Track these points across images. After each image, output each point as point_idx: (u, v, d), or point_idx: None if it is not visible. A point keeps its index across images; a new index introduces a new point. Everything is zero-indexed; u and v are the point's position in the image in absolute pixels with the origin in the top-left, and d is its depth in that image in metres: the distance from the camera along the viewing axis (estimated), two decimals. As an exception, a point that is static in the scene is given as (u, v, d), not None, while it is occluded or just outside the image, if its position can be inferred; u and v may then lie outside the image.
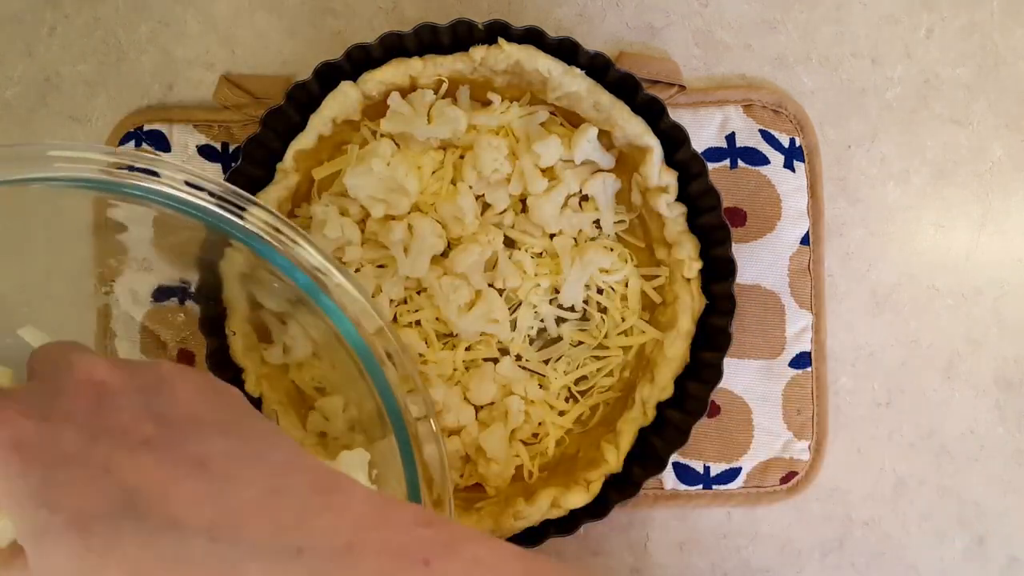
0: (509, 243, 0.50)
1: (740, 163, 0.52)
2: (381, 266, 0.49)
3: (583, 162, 0.49)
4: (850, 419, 0.53)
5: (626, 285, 0.50)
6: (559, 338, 0.50)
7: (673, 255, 0.48)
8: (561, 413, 0.50)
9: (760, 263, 0.52)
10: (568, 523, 0.46)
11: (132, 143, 0.52)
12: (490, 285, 0.49)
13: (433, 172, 0.49)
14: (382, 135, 0.49)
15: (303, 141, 0.47)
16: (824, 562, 0.52)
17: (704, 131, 0.53)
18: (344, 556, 0.25)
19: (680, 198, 0.48)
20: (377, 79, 0.47)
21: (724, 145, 0.53)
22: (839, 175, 0.53)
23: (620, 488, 0.46)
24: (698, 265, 0.47)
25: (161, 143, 0.52)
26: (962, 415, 0.53)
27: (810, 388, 0.52)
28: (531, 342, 0.50)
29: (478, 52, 0.46)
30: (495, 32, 0.46)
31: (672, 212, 0.47)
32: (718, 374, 0.46)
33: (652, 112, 0.47)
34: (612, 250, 0.50)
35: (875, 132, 0.53)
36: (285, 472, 0.27)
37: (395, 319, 0.50)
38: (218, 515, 0.25)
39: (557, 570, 0.27)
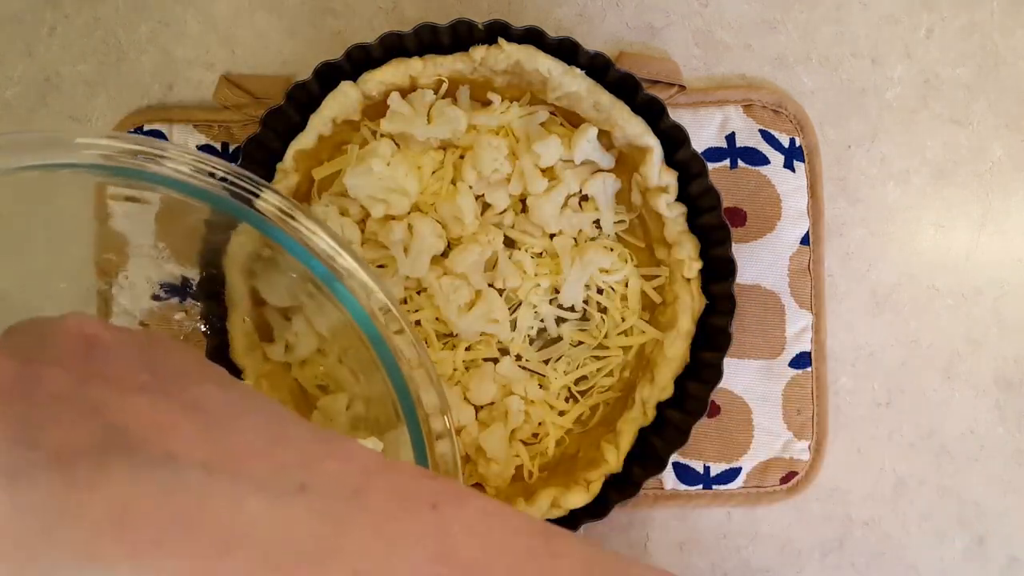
0: (509, 243, 0.50)
1: (740, 163, 0.52)
2: (381, 266, 0.49)
3: (583, 162, 0.49)
4: (850, 419, 0.53)
5: (626, 285, 0.50)
6: (559, 338, 0.50)
7: (673, 255, 0.48)
8: (561, 413, 0.50)
9: (760, 263, 0.52)
10: (568, 523, 0.46)
11: (132, 143, 0.52)
12: (490, 285, 0.49)
13: (433, 172, 0.49)
14: (382, 135, 0.49)
15: (303, 141, 0.47)
16: (824, 562, 0.52)
17: (704, 131, 0.53)
18: (351, 498, 0.23)
19: (680, 198, 0.48)
20: (377, 79, 0.47)
21: (724, 145, 0.53)
22: (839, 175, 0.53)
23: (620, 488, 0.46)
24: (698, 265, 0.47)
25: (161, 143, 0.52)
26: (962, 415, 0.53)
27: (810, 388, 0.52)
28: (531, 342, 0.50)
29: (478, 52, 0.46)
30: (495, 32, 0.46)
31: (672, 212, 0.47)
32: (718, 374, 0.46)
33: (652, 112, 0.47)
34: (612, 250, 0.50)
35: (875, 132, 0.53)
36: (285, 423, 0.26)
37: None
38: (215, 453, 0.23)
39: (556, 528, 0.26)
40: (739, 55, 0.53)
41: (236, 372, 0.47)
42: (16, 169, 0.32)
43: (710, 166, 0.51)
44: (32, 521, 0.22)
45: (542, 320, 0.50)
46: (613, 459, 0.46)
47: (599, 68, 0.47)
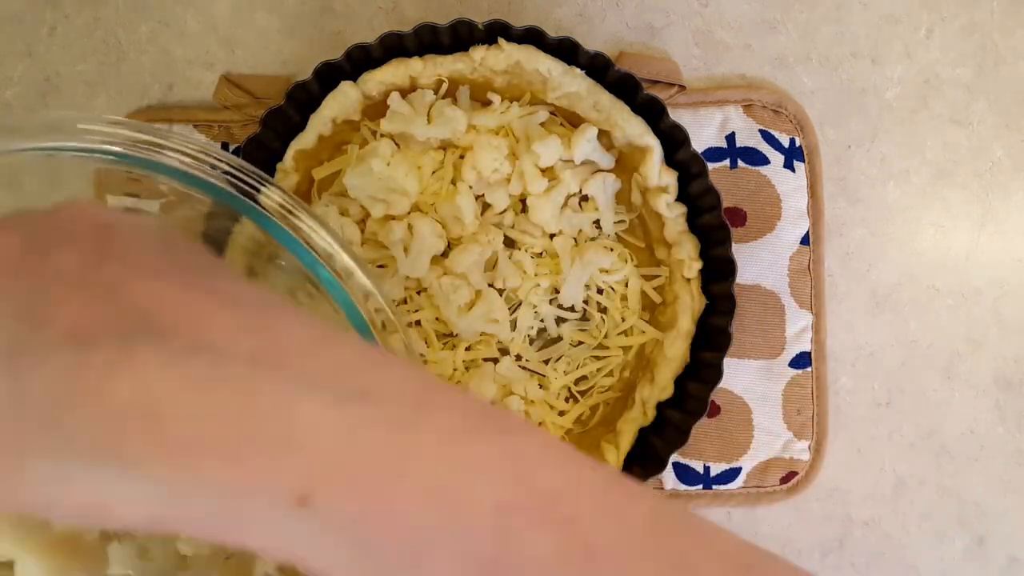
0: (509, 243, 0.50)
1: (740, 163, 0.52)
2: (381, 266, 0.49)
3: (583, 162, 0.49)
4: (850, 419, 0.53)
5: (626, 285, 0.50)
6: (559, 338, 0.50)
7: (673, 255, 0.48)
8: (561, 413, 0.50)
9: (760, 263, 0.52)
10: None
11: (132, 143, 0.52)
12: (490, 285, 0.49)
13: (433, 172, 0.49)
14: (382, 135, 0.49)
15: (303, 141, 0.47)
16: (824, 562, 0.52)
17: (704, 131, 0.52)
18: (416, 411, 0.20)
19: (680, 198, 0.48)
20: (377, 79, 0.47)
21: (724, 145, 0.53)
22: (839, 175, 0.53)
23: (620, 488, 0.46)
24: (698, 265, 0.47)
25: (161, 143, 0.52)
26: (962, 415, 0.53)
27: (810, 388, 0.52)
28: (531, 342, 0.50)
29: (478, 52, 0.46)
30: (495, 32, 0.46)
31: (672, 212, 0.47)
32: (718, 374, 0.46)
33: (652, 112, 0.47)
34: (612, 250, 0.50)
35: (875, 132, 0.53)
36: (327, 325, 0.22)
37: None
38: (261, 346, 0.20)
39: (622, 474, 0.22)
40: (739, 55, 0.53)
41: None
42: (14, 151, 0.31)
43: (710, 166, 0.51)
44: (35, 408, 0.19)
45: (542, 320, 0.50)
46: (613, 459, 0.46)
47: (599, 68, 0.47)
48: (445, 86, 0.48)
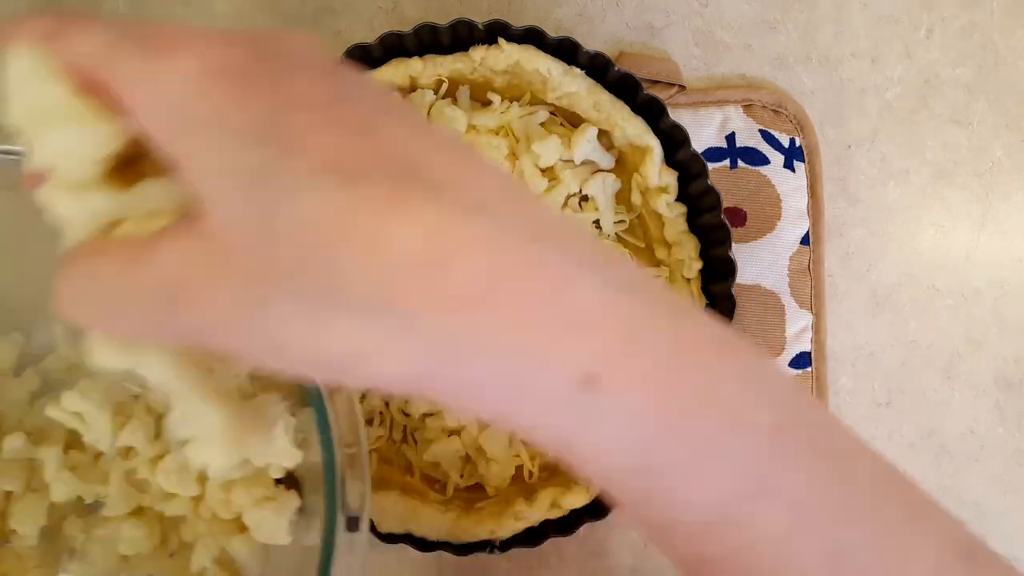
0: (509, 243, 0.50)
1: (740, 163, 0.52)
2: (381, 266, 0.49)
3: (583, 162, 0.49)
4: (850, 419, 0.53)
5: (626, 285, 0.50)
6: (559, 338, 0.50)
7: (673, 255, 0.48)
8: (561, 413, 0.50)
9: (760, 263, 0.52)
10: (568, 523, 0.46)
11: (132, 143, 0.52)
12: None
13: (433, 172, 0.49)
14: (382, 135, 0.49)
15: (303, 141, 0.47)
16: (824, 562, 0.52)
17: (704, 131, 0.53)
18: (673, 310, 0.20)
19: (680, 198, 0.48)
20: (377, 79, 0.47)
21: (724, 145, 0.53)
22: (839, 175, 0.53)
23: (620, 488, 0.46)
24: (698, 265, 0.47)
25: (161, 143, 0.52)
26: (962, 415, 0.53)
27: (810, 388, 0.52)
28: (531, 342, 0.50)
29: (478, 52, 0.46)
30: (495, 32, 0.46)
31: (672, 212, 0.47)
32: (718, 374, 0.46)
33: (652, 112, 0.47)
34: (612, 250, 0.50)
35: (875, 132, 0.53)
36: (546, 201, 0.21)
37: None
38: (524, 215, 0.19)
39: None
40: (739, 55, 0.53)
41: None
42: None
43: (710, 166, 0.51)
44: (289, 245, 0.17)
45: (542, 320, 0.50)
46: (613, 459, 0.46)
47: (599, 68, 0.47)
48: (445, 86, 0.48)
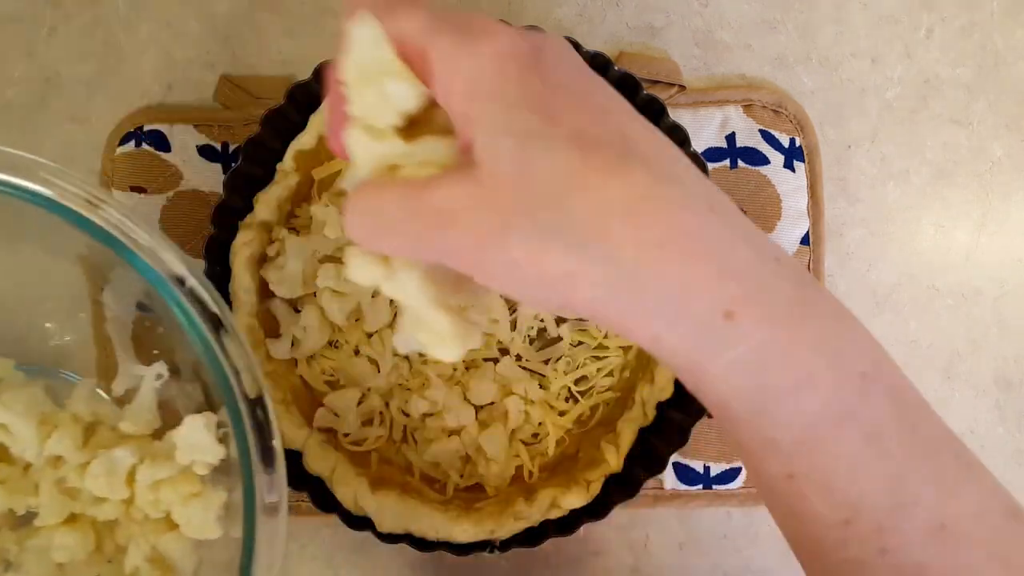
0: (509, 243, 0.50)
1: (740, 163, 0.52)
2: (381, 266, 0.49)
3: (583, 162, 0.49)
4: (850, 419, 0.53)
5: (626, 285, 0.50)
6: (559, 338, 0.50)
7: (673, 255, 0.48)
8: (561, 413, 0.50)
9: (760, 263, 0.52)
10: (568, 523, 0.46)
11: (132, 143, 0.52)
12: (490, 285, 0.49)
13: (433, 172, 0.49)
14: (382, 135, 0.49)
15: (303, 141, 0.47)
16: (824, 562, 0.52)
17: (704, 131, 0.53)
18: (810, 284, 0.27)
19: (680, 198, 0.48)
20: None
21: (724, 145, 0.53)
22: (839, 175, 0.53)
23: (620, 488, 0.46)
24: (698, 265, 0.47)
25: (161, 143, 0.52)
26: (962, 415, 0.53)
27: (810, 388, 0.52)
28: (531, 342, 0.50)
29: (478, 52, 0.46)
30: (495, 32, 0.46)
31: (672, 212, 0.47)
32: (718, 374, 0.46)
33: (652, 112, 0.47)
34: (612, 250, 0.49)
35: (875, 132, 0.53)
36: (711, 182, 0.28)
37: (396, 319, 0.50)
38: (711, 197, 0.25)
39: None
40: (739, 55, 0.53)
41: (236, 372, 0.47)
42: None
43: (710, 166, 0.51)
44: (536, 186, 0.23)
45: (542, 320, 0.50)
46: (613, 459, 0.46)
47: (599, 68, 0.47)
48: (445, 86, 0.48)
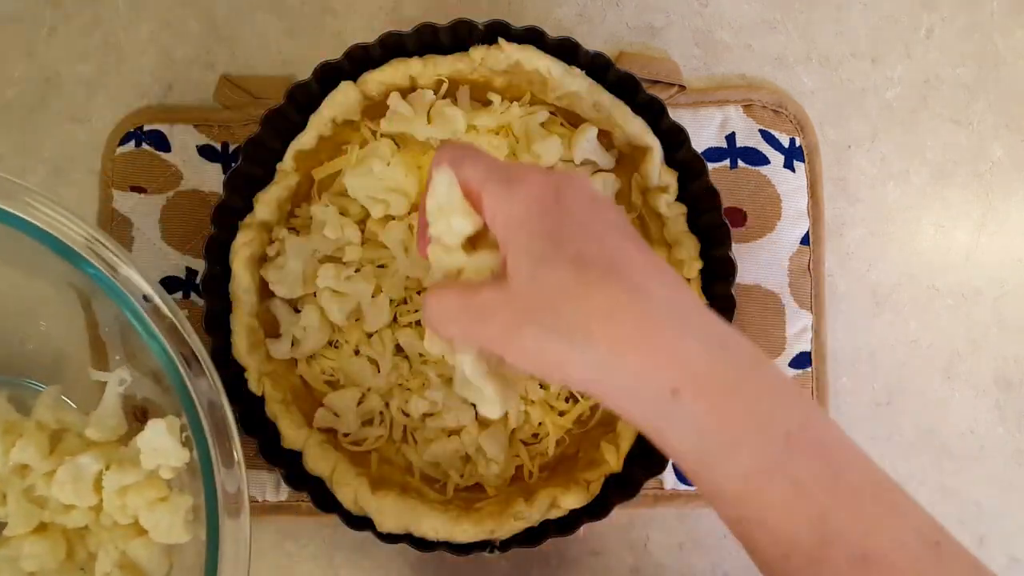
0: (509, 243, 0.50)
1: (740, 163, 0.52)
2: (381, 266, 0.49)
3: (583, 162, 0.49)
4: (850, 419, 0.53)
5: (626, 285, 0.50)
6: (559, 338, 0.50)
7: (673, 255, 0.48)
8: (561, 413, 0.50)
9: (760, 263, 0.52)
10: (568, 523, 0.46)
11: (132, 143, 0.52)
12: (490, 285, 0.49)
13: (433, 172, 0.49)
14: (382, 135, 0.49)
15: (303, 141, 0.47)
16: (824, 562, 0.52)
17: (704, 131, 0.53)
18: (751, 363, 0.32)
19: (680, 198, 0.48)
20: (377, 79, 0.47)
21: (724, 145, 0.53)
22: (839, 175, 0.53)
23: (620, 488, 0.46)
24: (698, 265, 0.47)
25: (161, 143, 0.52)
26: (962, 415, 0.53)
27: (810, 388, 0.52)
28: (531, 342, 0.50)
29: (478, 52, 0.46)
30: (495, 32, 0.46)
31: (672, 212, 0.47)
32: (718, 374, 0.46)
33: (652, 112, 0.47)
34: (612, 250, 0.50)
35: (875, 132, 0.53)
36: (704, 306, 0.34)
37: (395, 319, 0.50)
38: (674, 301, 0.32)
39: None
40: (739, 55, 0.53)
41: (239, 371, 0.47)
42: None
43: (710, 166, 0.51)
44: (542, 294, 0.32)
45: (542, 320, 0.50)
46: (613, 459, 0.46)
47: (599, 68, 0.47)
48: (445, 86, 0.48)
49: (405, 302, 0.50)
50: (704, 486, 0.33)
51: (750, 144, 0.53)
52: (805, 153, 0.53)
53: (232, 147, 0.52)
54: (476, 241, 0.36)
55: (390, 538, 0.45)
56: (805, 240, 0.52)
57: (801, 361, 0.52)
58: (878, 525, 0.30)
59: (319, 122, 0.47)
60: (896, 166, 0.53)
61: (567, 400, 0.50)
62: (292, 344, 0.49)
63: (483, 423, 0.49)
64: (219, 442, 0.39)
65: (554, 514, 0.46)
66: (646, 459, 0.47)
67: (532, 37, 0.46)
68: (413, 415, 0.49)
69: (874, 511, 0.31)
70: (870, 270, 0.53)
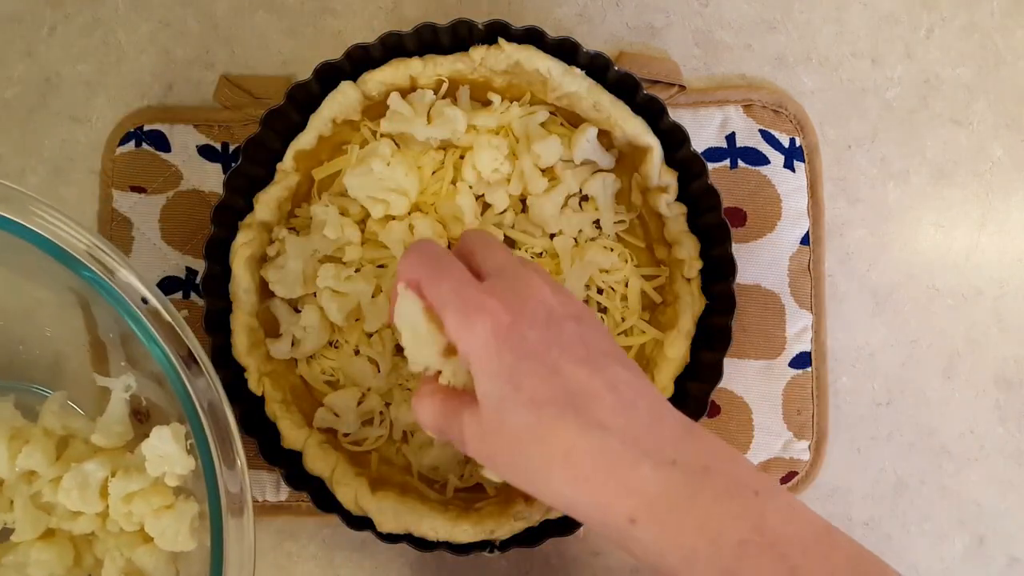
0: (509, 243, 0.50)
1: (740, 163, 0.52)
2: (381, 266, 0.49)
3: (583, 162, 0.49)
4: (850, 419, 0.53)
5: (626, 285, 0.50)
6: (559, 338, 0.50)
7: (673, 255, 0.48)
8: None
9: (760, 263, 0.52)
10: (568, 523, 0.46)
11: (132, 143, 0.52)
12: (490, 285, 0.49)
13: (433, 172, 0.49)
14: (382, 135, 0.49)
15: (303, 141, 0.47)
16: (824, 562, 0.52)
17: (704, 131, 0.53)
18: (703, 475, 0.33)
19: (680, 198, 0.48)
20: (377, 79, 0.47)
21: (724, 145, 0.53)
22: (839, 175, 0.53)
23: (620, 488, 0.46)
24: (698, 264, 0.47)
25: (161, 143, 0.52)
26: (962, 415, 0.53)
27: (810, 388, 0.52)
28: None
29: (478, 52, 0.46)
30: (495, 32, 0.46)
31: (672, 212, 0.47)
32: (718, 374, 0.46)
33: (652, 112, 0.47)
34: (612, 250, 0.49)
35: (875, 132, 0.53)
36: (661, 405, 0.36)
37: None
38: (627, 426, 0.34)
39: (840, 531, 0.34)
40: (739, 55, 0.53)
41: (239, 371, 0.47)
42: None
43: (710, 166, 0.51)
44: (507, 436, 0.34)
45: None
46: (613, 459, 0.46)
47: (599, 68, 0.47)
48: (445, 86, 0.48)
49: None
50: None
51: (750, 144, 0.53)
52: (805, 153, 0.53)
53: (232, 147, 0.52)
54: (451, 350, 0.38)
55: (390, 538, 0.45)
56: (805, 240, 0.52)
57: (801, 361, 0.52)
58: None
59: (319, 122, 0.47)
60: (896, 166, 0.53)
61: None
62: (292, 344, 0.49)
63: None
64: (220, 443, 0.39)
65: (554, 514, 0.46)
66: (646, 459, 0.47)
67: (532, 37, 0.46)
68: (411, 419, 0.49)
69: None
70: (870, 270, 0.53)
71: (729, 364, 0.47)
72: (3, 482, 0.45)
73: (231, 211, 0.47)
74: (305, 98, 0.47)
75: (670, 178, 0.47)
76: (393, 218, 0.49)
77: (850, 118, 0.53)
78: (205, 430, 0.39)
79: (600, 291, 0.50)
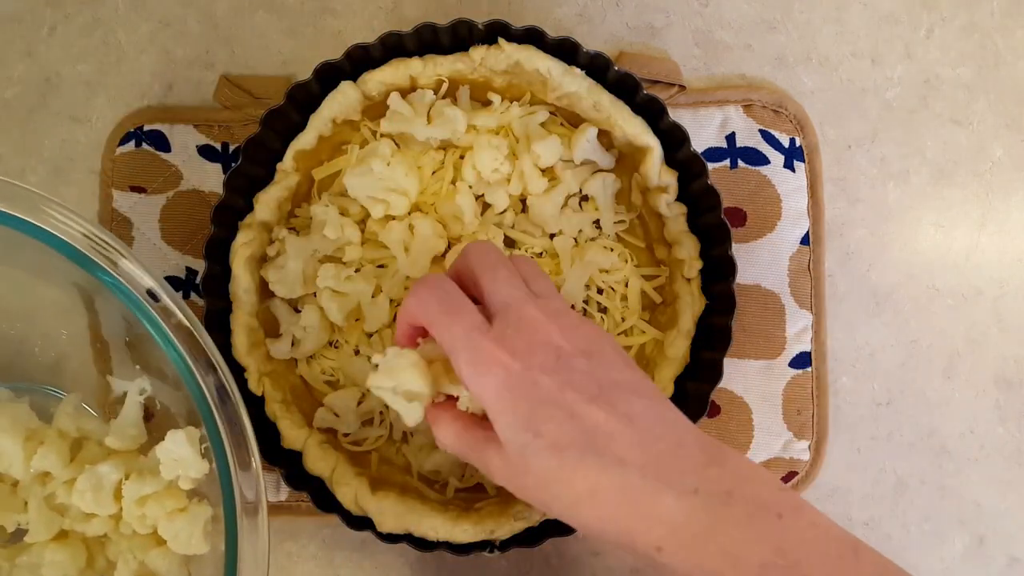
0: (509, 243, 0.50)
1: (740, 163, 0.52)
2: (381, 266, 0.49)
3: (583, 162, 0.49)
4: (850, 419, 0.53)
5: (626, 285, 0.50)
6: (559, 338, 0.50)
7: (673, 255, 0.48)
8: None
9: (760, 263, 0.52)
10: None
11: (132, 143, 0.52)
12: (490, 285, 0.49)
13: (433, 172, 0.49)
14: (382, 135, 0.49)
15: (303, 141, 0.47)
16: (824, 562, 0.52)
17: (704, 131, 0.53)
18: (725, 500, 0.34)
19: (680, 198, 0.48)
20: (377, 79, 0.47)
21: (724, 145, 0.53)
22: (839, 175, 0.53)
23: (620, 488, 0.46)
24: (698, 265, 0.47)
25: (161, 143, 0.52)
26: (962, 415, 0.53)
27: (810, 388, 0.52)
28: (531, 342, 0.50)
29: (478, 52, 0.46)
30: (495, 32, 0.46)
31: (672, 212, 0.47)
32: (718, 374, 0.46)
33: (652, 112, 0.47)
34: (612, 250, 0.50)
35: (875, 132, 0.53)
36: (680, 430, 0.36)
37: (395, 319, 0.50)
38: (646, 459, 0.34)
39: (866, 545, 0.34)
40: (739, 55, 0.53)
41: (239, 371, 0.47)
42: None
43: (710, 166, 0.51)
44: (533, 478, 0.35)
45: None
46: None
47: (599, 68, 0.47)
48: (445, 86, 0.48)
49: (405, 302, 0.50)
50: None
51: (750, 144, 0.53)
52: (805, 153, 0.53)
53: (232, 147, 0.52)
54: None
55: (390, 538, 0.45)
56: (805, 240, 0.52)
57: (801, 361, 0.52)
58: None
59: (319, 122, 0.47)
60: (896, 166, 0.53)
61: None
62: (292, 344, 0.49)
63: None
64: (235, 446, 0.39)
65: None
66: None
67: (532, 37, 0.46)
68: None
69: None
70: (870, 270, 0.53)
71: (729, 364, 0.47)
72: (18, 483, 0.45)
73: (231, 211, 0.47)
74: (305, 98, 0.47)
75: (670, 178, 0.47)
76: (393, 218, 0.49)
77: (850, 118, 0.53)
78: (220, 432, 0.39)
79: (600, 291, 0.50)
